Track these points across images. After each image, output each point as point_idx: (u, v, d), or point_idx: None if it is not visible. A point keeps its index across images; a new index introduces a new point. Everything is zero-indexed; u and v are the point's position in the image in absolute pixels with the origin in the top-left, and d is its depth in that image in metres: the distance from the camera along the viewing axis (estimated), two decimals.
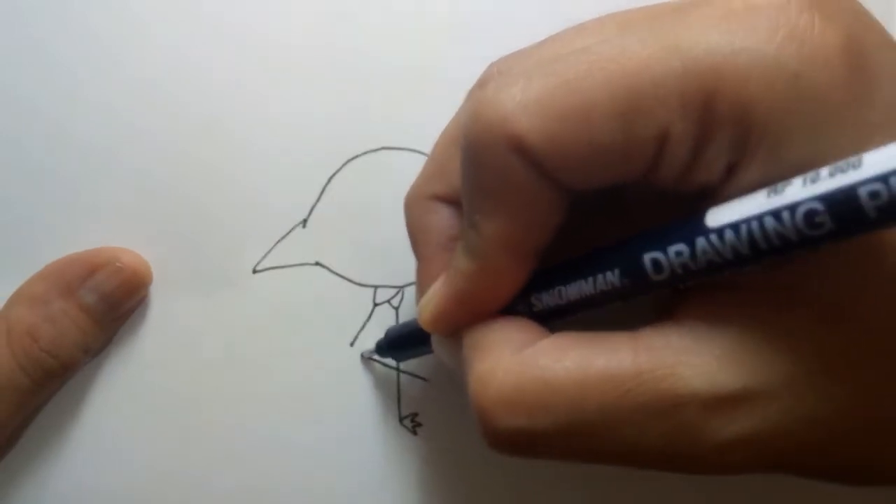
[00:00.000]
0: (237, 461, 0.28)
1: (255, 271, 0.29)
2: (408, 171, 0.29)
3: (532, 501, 0.29)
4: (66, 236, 0.28)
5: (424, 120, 0.29)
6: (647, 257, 0.18)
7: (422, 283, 0.23)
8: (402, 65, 0.29)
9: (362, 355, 0.29)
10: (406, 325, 0.27)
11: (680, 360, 0.17)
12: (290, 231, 0.29)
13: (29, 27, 0.29)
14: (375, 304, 0.29)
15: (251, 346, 0.29)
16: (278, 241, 0.29)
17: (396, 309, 0.29)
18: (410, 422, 0.29)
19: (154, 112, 0.29)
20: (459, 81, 0.29)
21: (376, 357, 0.29)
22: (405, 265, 0.29)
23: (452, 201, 0.23)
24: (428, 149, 0.29)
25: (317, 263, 0.29)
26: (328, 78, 0.29)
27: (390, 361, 0.29)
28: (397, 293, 0.29)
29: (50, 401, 0.28)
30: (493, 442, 0.19)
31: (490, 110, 0.18)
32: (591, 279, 0.19)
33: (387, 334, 0.27)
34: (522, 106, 0.18)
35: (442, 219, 0.23)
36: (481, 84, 0.22)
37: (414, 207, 0.24)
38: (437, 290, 0.21)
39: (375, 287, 0.29)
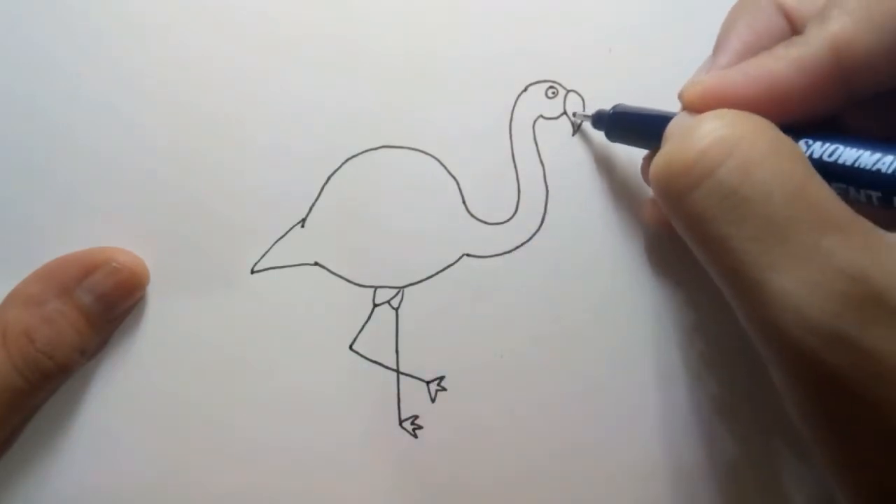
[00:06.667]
0: (235, 463, 0.28)
1: (253, 271, 0.29)
2: (408, 169, 0.29)
3: (532, 502, 0.29)
4: (62, 236, 0.28)
5: (425, 118, 0.29)
6: None
7: (710, 68, 0.23)
8: (403, 63, 0.29)
9: (574, 114, 0.29)
10: (643, 109, 0.26)
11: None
12: (288, 231, 0.29)
13: (28, 27, 0.28)
14: (375, 305, 0.29)
15: (249, 347, 0.28)
16: (277, 241, 0.29)
17: (396, 309, 0.29)
18: (411, 424, 0.29)
19: (152, 112, 0.28)
20: (461, 80, 0.29)
21: (588, 124, 0.28)
22: (405, 265, 0.29)
23: (790, 15, 0.23)
24: (428, 147, 0.29)
25: (315, 263, 0.29)
26: (328, 76, 0.29)
27: (390, 362, 0.29)
28: (397, 293, 0.29)
29: (46, 402, 0.28)
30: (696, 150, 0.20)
31: None
32: (877, 154, 0.19)
33: (615, 108, 0.27)
34: None
35: (770, 25, 0.23)
36: None
37: (751, 4, 0.24)
38: (726, 72, 0.22)
39: (375, 287, 0.29)
